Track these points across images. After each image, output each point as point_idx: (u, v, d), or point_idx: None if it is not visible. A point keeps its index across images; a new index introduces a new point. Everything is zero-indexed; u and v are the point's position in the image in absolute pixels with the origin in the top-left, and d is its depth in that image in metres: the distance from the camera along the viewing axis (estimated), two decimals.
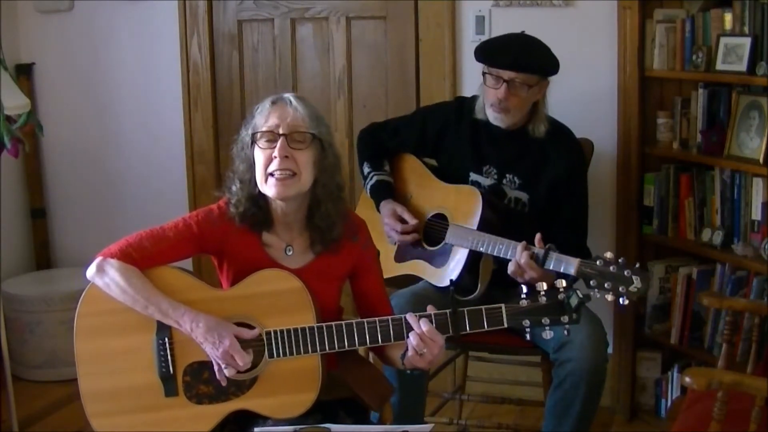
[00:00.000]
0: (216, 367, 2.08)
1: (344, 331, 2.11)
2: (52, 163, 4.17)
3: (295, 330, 2.09)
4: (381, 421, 2.31)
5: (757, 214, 2.97)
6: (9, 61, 3.51)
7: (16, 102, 3.13)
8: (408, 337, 2.09)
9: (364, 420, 2.24)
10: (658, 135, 3.30)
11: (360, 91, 3.73)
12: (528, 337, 2.14)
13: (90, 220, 4.14)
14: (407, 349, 2.10)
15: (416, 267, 2.85)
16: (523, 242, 2.55)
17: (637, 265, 2.30)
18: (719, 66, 3.02)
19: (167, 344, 2.11)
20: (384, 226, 2.88)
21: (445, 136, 2.93)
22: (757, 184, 2.96)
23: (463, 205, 2.77)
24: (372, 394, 2.24)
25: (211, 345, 2.06)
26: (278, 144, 2.10)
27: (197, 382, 2.12)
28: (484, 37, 3.31)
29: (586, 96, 3.34)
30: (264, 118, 2.14)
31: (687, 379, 2.06)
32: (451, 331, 2.10)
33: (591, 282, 2.31)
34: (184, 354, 2.11)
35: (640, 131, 3.28)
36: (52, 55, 4.07)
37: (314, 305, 2.12)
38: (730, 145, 3.03)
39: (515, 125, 2.82)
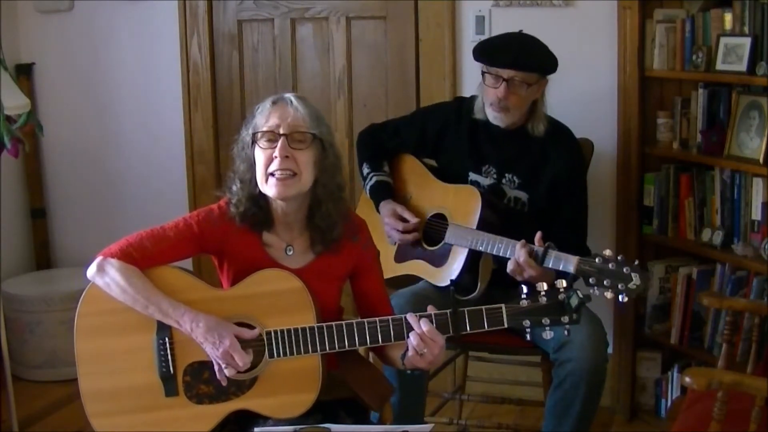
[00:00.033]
0: (216, 367, 2.08)
1: (344, 331, 2.11)
2: (52, 163, 4.17)
3: (296, 330, 2.09)
4: (381, 421, 2.31)
5: (757, 214, 2.97)
6: (9, 61, 3.50)
7: (16, 102, 3.13)
8: (408, 337, 2.09)
9: (364, 420, 2.24)
10: (658, 135, 3.30)
11: (360, 91, 3.72)
12: (528, 337, 2.13)
13: (90, 220, 4.14)
14: (407, 349, 2.09)
15: (416, 267, 2.85)
16: (522, 240, 2.54)
17: (636, 263, 2.30)
18: (719, 66, 3.02)
19: (167, 344, 2.11)
20: (385, 226, 2.88)
21: (444, 136, 2.93)
22: (757, 184, 2.96)
23: (462, 204, 2.77)
24: (372, 394, 2.24)
25: (212, 345, 2.06)
26: (279, 144, 2.10)
27: (197, 382, 2.12)
28: (484, 37, 3.30)
29: (586, 96, 3.34)
30: (264, 118, 2.14)
31: (687, 379, 2.06)
32: (451, 331, 2.10)
33: (590, 279, 2.31)
34: (185, 354, 2.11)
35: (640, 131, 3.28)
36: (52, 55, 4.07)
37: (314, 305, 2.12)
38: (730, 145, 3.03)
39: (514, 124, 2.82)
